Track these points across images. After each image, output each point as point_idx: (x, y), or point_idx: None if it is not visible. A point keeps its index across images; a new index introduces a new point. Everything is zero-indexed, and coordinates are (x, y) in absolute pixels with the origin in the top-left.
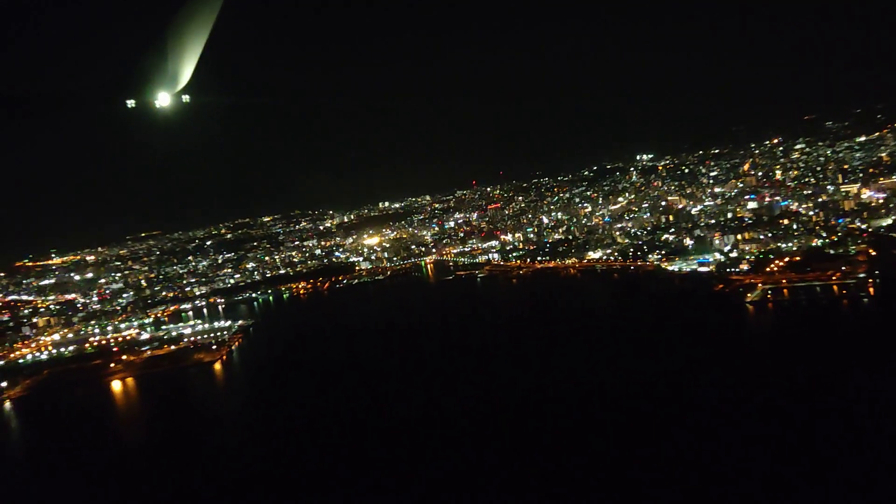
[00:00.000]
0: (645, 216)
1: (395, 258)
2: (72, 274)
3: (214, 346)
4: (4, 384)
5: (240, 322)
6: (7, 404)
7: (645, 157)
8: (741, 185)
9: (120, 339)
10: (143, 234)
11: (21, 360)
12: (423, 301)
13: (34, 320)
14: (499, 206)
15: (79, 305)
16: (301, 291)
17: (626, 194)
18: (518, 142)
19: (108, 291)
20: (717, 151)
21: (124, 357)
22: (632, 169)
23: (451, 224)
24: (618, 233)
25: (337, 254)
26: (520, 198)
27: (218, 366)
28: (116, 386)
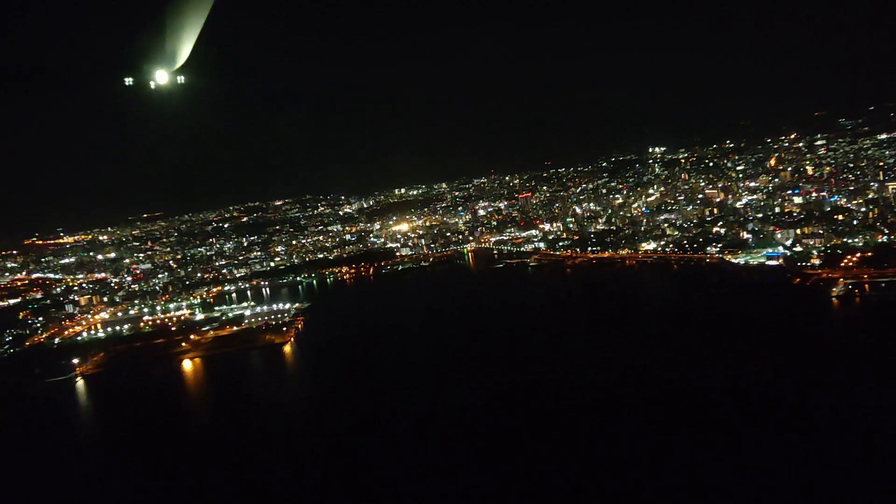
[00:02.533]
0: (688, 209)
1: (432, 245)
2: (91, 253)
3: (285, 328)
4: (76, 360)
5: (296, 305)
6: (80, 381)
7: (658, 149)
8: (777, 180)
9: (174, 318)
10: (144, 216)
11: (78, 338)
12: (480, 288)
13: (75, 298)
14: (529, 196)
15: (113, 284)
16: (346, 276)
17: (655, 186)
18: (525, 132)
19: (139, 272)
20: (731, 145)
21: (192, 337)
22: (650, 161)
23: (482, 212)
24: (666, 225)
25: (373, 239)
26: (544, 187)
27: (288, 348)
28: (188, 365)
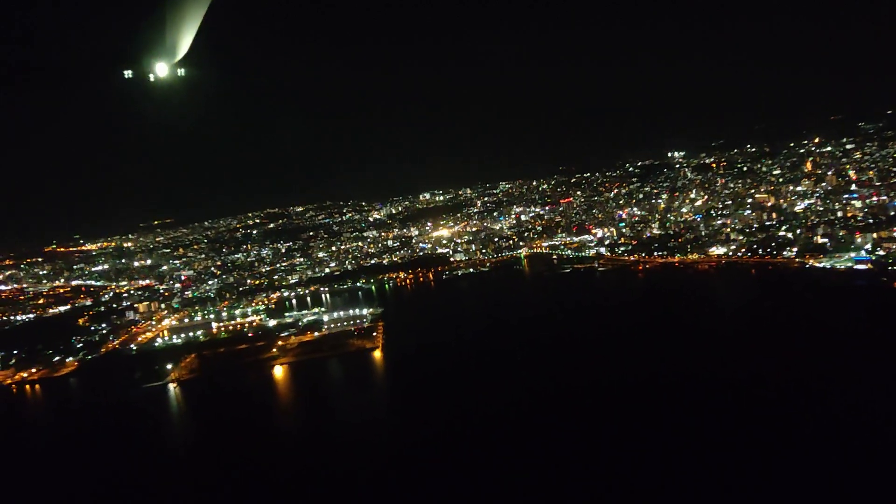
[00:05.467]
0: (744, 213)
1: (483, 250)
2: (123, 260)
3: (375, 333)
4: (170, 366)
5: (370, 310)
6: (175, 387)
7: (677, 154)
8: (823, 184)
9: (247, 324)
10: (155, 222)
11: (155, 344)
12: (556, 293)
13: (135, 305)
14: (570, 201)
15: (163, 291)
16: (408, 281)
17: (695, 191)
18: (539, 137)
19: (187, 278)
20: (754, 149)
21: (279, 342)
22: (677, 166)
23: (524, 217)
24: (728, 229)
25: (422, 245)
26: (578, 192)
27: (378, 353)
28: (280, 371)
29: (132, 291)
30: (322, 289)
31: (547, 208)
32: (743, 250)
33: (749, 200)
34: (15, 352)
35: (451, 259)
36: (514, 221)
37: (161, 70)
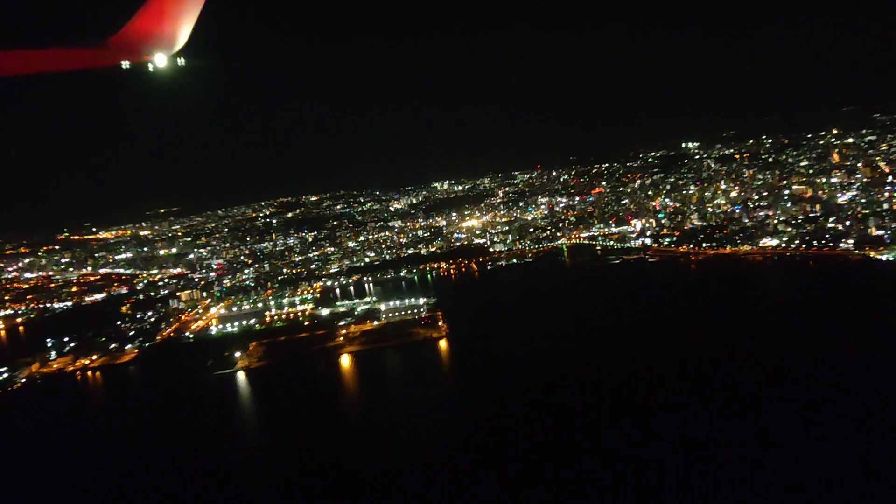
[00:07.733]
0: (787, 205)
1: (521, 240)
2: (145, 248)
3: (440, 323)
4: (238, 354)
5: (425, 299)
6: (242, 374)
7: (692, 144)
8: (858, 175)
9: (299, 313)
10: (162, 211)
11: (211, 332)
12: (614, 285)
13: (177, 294)
14: (602, 192)
15: (198, 280)
16: (451, 271)
17: (724, 182)
18: (543, 128)
19: (216, 267)
20: (770, 140)
21: (341, 331)
22: (697, 156)
23: (557, 208)
24: (774, 220)
25: (457, 235)
26: (603, 183)
27: (443, 343)
28: (346, 360)
29: (166, 280)
30: (365, 278)
31: (577, 199)
32: (796, 242)
33: (786, 192)
34: (66, 339)
35: (491, 249)
36: (547, 212)
37: (160, 60)
